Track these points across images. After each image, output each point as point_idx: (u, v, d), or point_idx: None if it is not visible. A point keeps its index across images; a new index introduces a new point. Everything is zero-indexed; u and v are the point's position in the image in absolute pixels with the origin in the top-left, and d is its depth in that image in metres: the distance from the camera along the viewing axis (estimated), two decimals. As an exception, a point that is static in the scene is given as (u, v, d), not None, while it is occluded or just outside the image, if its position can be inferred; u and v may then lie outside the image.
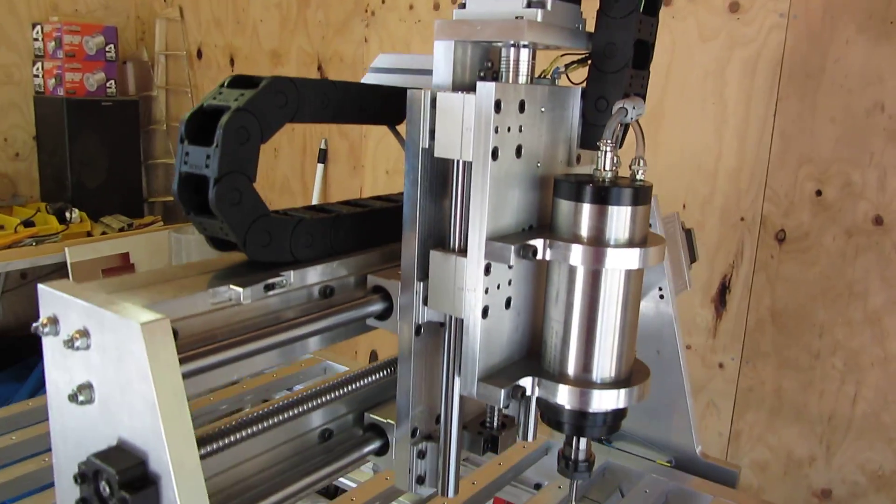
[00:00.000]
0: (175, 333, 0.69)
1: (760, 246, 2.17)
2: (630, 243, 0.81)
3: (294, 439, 0.92)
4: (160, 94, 4.01)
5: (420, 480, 0.94)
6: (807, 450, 2.16)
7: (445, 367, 0.90)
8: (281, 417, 0.88)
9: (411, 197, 0.85)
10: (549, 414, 0.89)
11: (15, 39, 3.71)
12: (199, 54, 3.85)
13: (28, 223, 3.28)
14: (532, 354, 0.91)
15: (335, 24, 3.19)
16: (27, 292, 3.84)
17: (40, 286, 0.71)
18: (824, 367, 2.10)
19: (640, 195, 0.81)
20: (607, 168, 0.82)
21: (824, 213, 2.05)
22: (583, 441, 0.93)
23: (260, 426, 0.85)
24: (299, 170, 3.46)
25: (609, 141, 0.83)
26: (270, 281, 0.81)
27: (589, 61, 0.91)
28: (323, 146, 3.32)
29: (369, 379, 0.98)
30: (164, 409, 0.63)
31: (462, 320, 0.84)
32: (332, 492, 1.70)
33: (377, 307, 0.91)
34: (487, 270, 0.82)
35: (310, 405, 0.92)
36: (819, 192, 2.05)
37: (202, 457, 0.75)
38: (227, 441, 0.80)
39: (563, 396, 0.84)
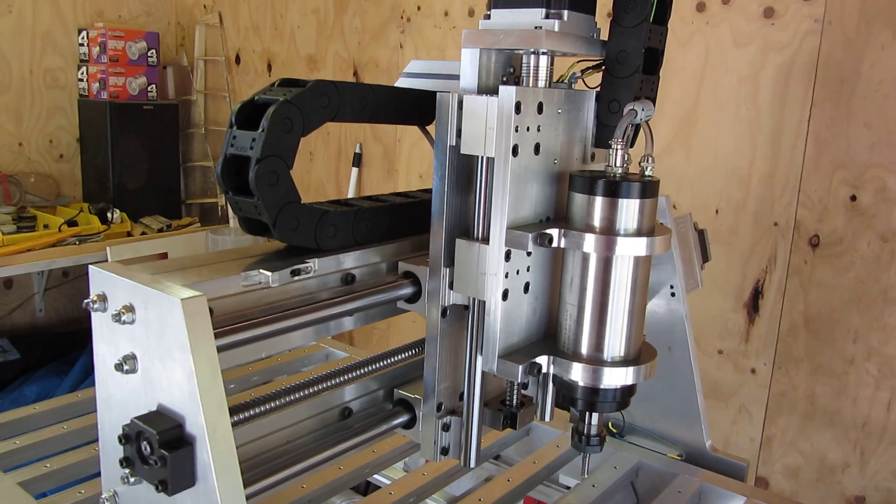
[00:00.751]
0: (210, 311, 0.76)
1: (794, 251, 2.17)
2: (638, 233, 0.89)
3: (317, 415, 0.99)
4: (199, 99, 4.10)
5: (444, 451, 1.02)
6: (840, 456, 2.15)
7: (469, 346, 0.98)
8: (310, 391, 0.95)
9: (439, 190, 0.93)
10: (564, 390, 0.96)
11: (61, 45, 3.82)
12: (238, 59, 3.93)
13: (71, 223, 3.38)
14: (549, 336, 0.98)
15: (371, 30, 3.25)
16: (69, 290, 3.95)
17: (91, 267, 0.78)
18: (858, 372, 2.09)
19: (648, 189, 0.89)
20: (618, 165, 0.90)
21: (859, 219, 2.05)
22: (594, 416, 1.00)
23: (289, 398, 0.92)
24: (334, 173, 3.52)
25: (620, 140, 0.90)
26: (297, 267, 0.89)
27: (603, 67, 0.98)
28: (358, 150, 3.37)
29: (399, 357, 1.06)
30: (201, 378, 0.70)
31: (484, 303, 0.91)
32: (364, 489, 1.73)
33: (407, 291, 0.99)
34: (508, 257, 0.89)
35: (342, 379, 1.00)
36: (854, 198, 2.05)
37: (234, 424, 0.81)
38: (258, 410, 0.87)
39: (577, 373, 0.92)
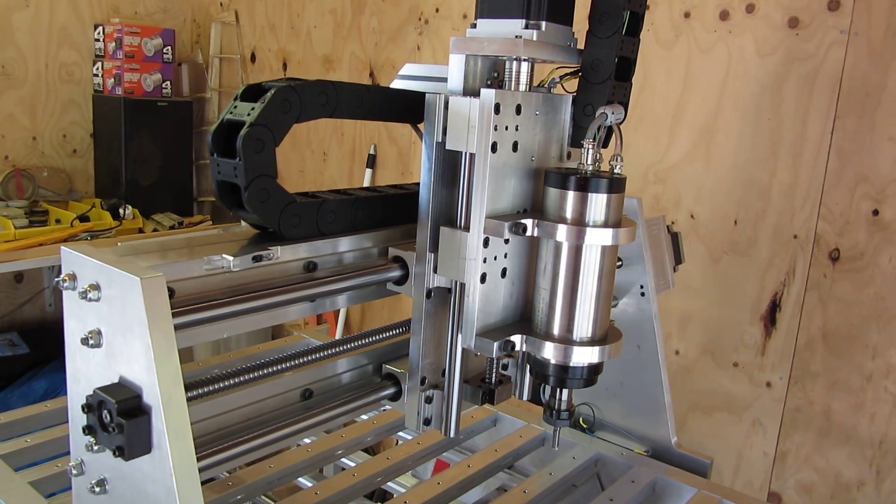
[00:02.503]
0: (172, 291, 0.85)
1: (813, 264, 2.14)
2: (605, 224, 0.98)
3: (278, 395, 1.06)
4: (213, 96, 4.09)
5: (426, 422, 1.12)
6: (856, 474, 2.12)
7: (450, 325, 1.08)
8: (270, 370, 1.01)
9: (427, 182, 1.03)
10: (537, 368, 1.06)
11: (77, 40, 3.82)
12: (253, 58, 3.92)
13: (83, 218, 3.37)
14: (524, 318, 1.08)
15: (389, 32, 3.23)
16: (79, 285, 3.93)
17: (62, 248, 0.85)
18: (876, 389, 2.06)
19: (615, 185, 0.98)
20: (589, 163, 1.00)
21: (881, 233, 2.02)
22: (564, 392, 1.10)
23: (250, 376, 0.98)
24: (347, 174, 3.51)
25: (591, 140, 1.00)
26: (259, 253, 0.95)
27: (579, 74, 1.07)
28: (372, 151, 3.36)
29: (387, 334, 1.16)
30: (157, 352, 0.76)
31: (464, 285, 1.01)
32: (381, 496, 1.72)
33: (395, 273, 1.09)
34: (486, 243, 0.99)
35: (333, 351, 1.09)
36: (876, 212, 2.02)
37: (193, 397, 0.89)
38: (215, 387, 0.93)
39: (549, 352, 1.02)
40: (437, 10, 3.03)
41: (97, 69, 3.82)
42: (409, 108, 1.10)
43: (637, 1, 1.06)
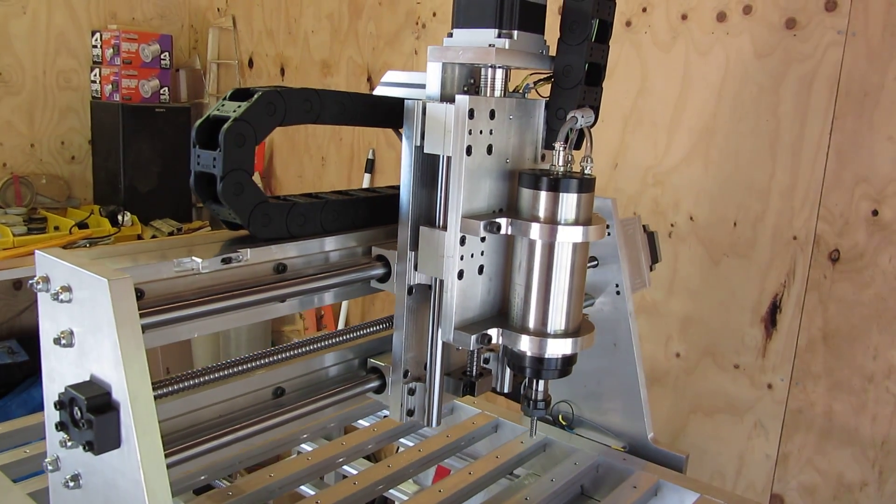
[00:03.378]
0: (141, 293, 0.89)
1: (813, 265, 2.13)
2: (576, 222, 1.03)
3: (248, 393, 1.09)
4: (211, 102, 4.09)
5: (410, 413, 1.16)
6: (858, 475, 2.11)
7: (431, 320, 1.13)
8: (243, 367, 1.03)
9: (407, 184, 1.07)
10: (514, 360, 1.11)
11: (75, 46, 3.82)
12: (251, 63, 3.92)
13: (82, 225, 3.37)
14: (502, 313, 1.12)
15: (386, 36, 3.23)
16: (78, 292, 3.92)
17: (37, 252, 0.88)
18: (878, 390, 2.05)
19: (584, 185, 1.03)
20: (560, 164, 1.04)
21: (880, 234, 2.01)
22: (541, 383, 1.14)
23: (222, 373, 1.01)
24: (346, 179, 3.50)
25: (562, 143, 1.04)
26: (228, 255, 0.98)
27: (552, 79, 1.12)
28: (370, 156, 3.35)
29: (371, 329, 1.21)
30: (125, 351, 0.79)
31: (443, 282, 1.06)
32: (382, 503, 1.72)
33: (379, 271, 1.13)
34: (462, 241, 1.04)
35: (323, 345, 1.14)
36: (875, 212, 2.02)
37: (162, 395, 0.93)
38: (179, 386, 0.95)
39: (525, 344, 1.07)
40: (434, 15, 3.03)
41: (95, 76, 3.81)
42: (391, 113, 1.13)
43: (605, 9, 1.10)
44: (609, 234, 1.42)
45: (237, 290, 0.97)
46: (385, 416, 1.66)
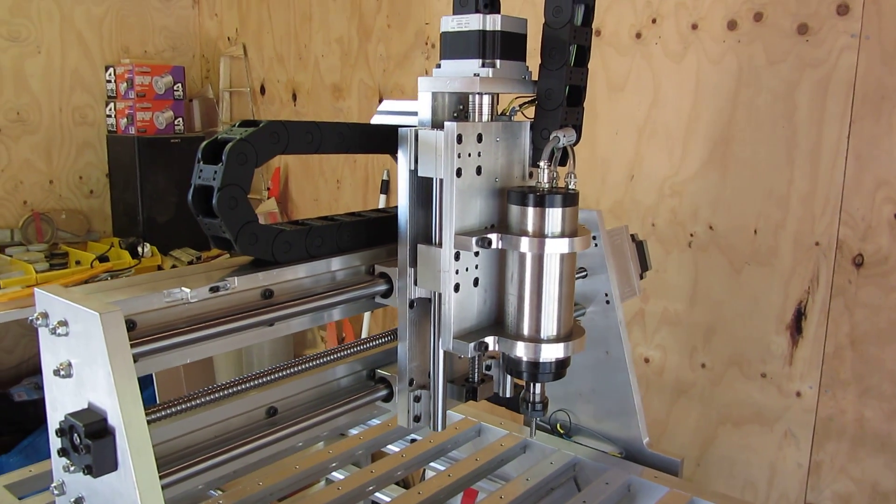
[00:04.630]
0: (133, 323, 0.94)
1: (837, 271, 2.11)
2: (562, 234, 1.10)
3: (242, 414, 1.14)
4: (225, 130, 4.12)
5: (416, 419, 1.23)
6: (893, 482, 2.08)
7: (432, 331, 1.20)
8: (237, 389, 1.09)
9: (405, 205, 1.15)
10: (512, 366, 1.19)
11: (89, 82, 3.87)
12: (263, 90, 3.95)
13: (103, 258, 3.39)
14: (498, 322, 1.19)
15: (396, 58, 3.25)
16: (101, 324, 3.95)
17: (36, 290, 0.94)
18: (910, 395, 2.03)
19: (568, 200, 1.10)
20: (545, 181, 1.11)
21: (904, 237, 1.99)
22: (537, 386, 1.21)
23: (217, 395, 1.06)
24: (361, 200, 3.52)
25: (546, 161, 1.11)
26: (215, 284, 1.03)
27: (536, 102, 1.19)
28: (385, 177, 3.36)
29: (377, 342, 1.29)
30: (118, 380, 0.84)
31: (441, 295, 1.13)
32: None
33: (382, 287, 1.21)
34: (457, 257, 1.11)
35: (334, 357, 1.22)
36: (898, 215, 2.00)
37: (156, 419, 0.98)
38: (170, 411, 1.00)
39: (520, 350, 1.14)
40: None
41: (110, 110, 3.86)
42: (387, 141, 1.20)
43: (582, 36, 1.17)
44: (596, 244, 1.47)
45: (225, 316, 1.02)
46: (413, 441, 1.66)
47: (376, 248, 1.26)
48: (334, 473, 1.53)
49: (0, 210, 3.63)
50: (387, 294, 1.21)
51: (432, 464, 1.59)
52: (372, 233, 1.25)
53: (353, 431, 1.69)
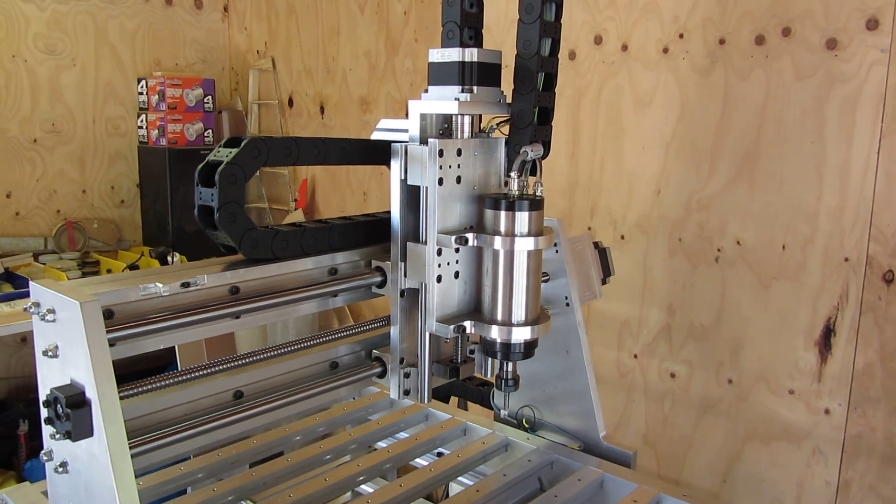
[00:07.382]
0: (111, 313, 1.08)
1: (867, 287, 2.10)
2: (529, 234, 1.28)
3: (210, 396, 1.27)
4: (253, 142, 4.17)
5: (406, 393, 1.41)
6: (924, 502, 2.05)
7: (420, 317, 1.37)
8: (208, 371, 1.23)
9: (397, 209, 1.33)
10: (487, 346, 1.35)
11: (122, 94, 3.95)
12: (291, 102, 4.00)
13: (133, 267, 3.45)
14: (476, 309, 1.37)
15: (423, 71, 3.28)
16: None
17: (31, 282, 1.07)
18: (941, 414, 2.00)
19: (534, 204, 1.28)
20: (514, 189, 1.29)
21: (936, 253, 1.97)
22: (509, 364, 1.39)
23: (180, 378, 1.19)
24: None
25: (517, 172, 1.29)
26: (187, 280, 1.16)
27: (510, 121, 1.37)
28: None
29: (373, 325, 1.47)
30: (94, 359, 0.98)
31: (427, 285, 1.30)
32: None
33: (377, 279, 1.39)
34: (439, 253, 1.29)
35: (328, 339, 1.40)
36: (929, 231, 1.98)
37: (129, 395, 1.11)
38: (142, 388, 1.13)
39: (495, 333, 1.31)
40: (470, 48, 3.07)
41: (142, 121, 3.93)
42: (382, 154, 1.37)
43: (549, 65, 1.35)
44: (557, 251, 1.61)
45: (193, 309, 1.16)
46: (440, 454, 1.67)
47: (374, 246, 1.44)
48: (363, 486, 1.56)
49: (34, 219, 3.70)
50: (381, 285, 1.39)
51: (460, 478, 1.60)
52: (360, 234, 1.44)
53: (381, 444, 1.71)
